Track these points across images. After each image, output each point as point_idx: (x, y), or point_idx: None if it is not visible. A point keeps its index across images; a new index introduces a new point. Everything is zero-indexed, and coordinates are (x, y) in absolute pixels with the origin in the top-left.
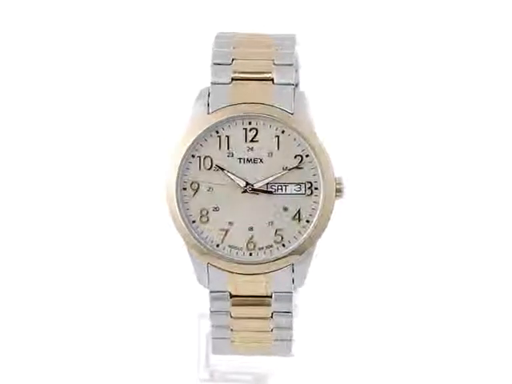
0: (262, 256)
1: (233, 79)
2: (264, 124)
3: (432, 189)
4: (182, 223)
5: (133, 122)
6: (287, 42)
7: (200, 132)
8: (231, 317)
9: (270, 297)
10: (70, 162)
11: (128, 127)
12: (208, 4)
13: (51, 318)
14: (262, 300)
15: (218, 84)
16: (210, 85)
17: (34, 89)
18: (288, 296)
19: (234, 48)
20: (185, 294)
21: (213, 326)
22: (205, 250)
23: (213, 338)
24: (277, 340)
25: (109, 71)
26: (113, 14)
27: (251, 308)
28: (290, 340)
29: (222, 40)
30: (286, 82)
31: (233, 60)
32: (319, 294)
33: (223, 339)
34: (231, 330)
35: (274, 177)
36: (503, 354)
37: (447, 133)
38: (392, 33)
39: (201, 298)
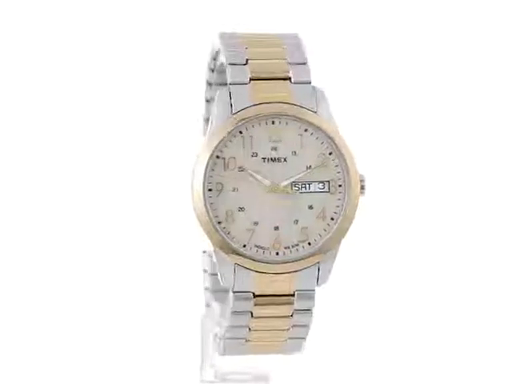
0: (288, 255)
1: (251, 79)
2: (287, 123)
3: (446, 186)
4: (209, 224)
5: (143, 124)
6: (294, 41)
7: (225, 133)
8: (252, 316)
9: (293, 295)
10: (81, 162)
11: (140, 129)
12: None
13: (55, 318)
14: (284, 299)
15: (238, 84)
16: (228, 85)
17: (52, 93)
18: (311, 294)
19: (246, 48)
20: (187, 295)
21: (231, 326)
22: (232, 251)
23: (227, 339)
24: (291, 338)
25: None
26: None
27: (274, 307)
28: (304, 338)
29: (232, 40)
30: (304, 80)
31: (247, 60)
32: (318, 293)
33: (238, 339)
34: (249, 329)
35: (299, 176)
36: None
37: (449, 132)
38: (390, 29)
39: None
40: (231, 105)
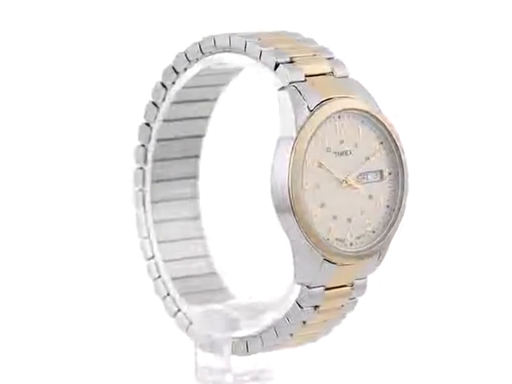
0: (359, 245)
1: (306, 76)
2: (348, 116)
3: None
4: (304, 221)
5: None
6: (303, 38)
7: (311, 132)
8: (315, 310)
9: (351, 286)
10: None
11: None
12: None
13: (49, 317)
14: (346, 289)
15: (299, 82)
16: (290, 84)
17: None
18: (365, 282)
19: (276, 48)
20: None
21: (288, 322)
22: (320, 246)
23: (272, 335)
24: (327, 329)
25: None
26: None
27: (338, 299)
28: (334, 327)
29: (259, 39)
30: (345, 74)
31: (291, 58)
32: None
33: (283, 336)
34: (303, 322)
35: (362, 167)
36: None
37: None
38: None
39: None
40: (305, 103)
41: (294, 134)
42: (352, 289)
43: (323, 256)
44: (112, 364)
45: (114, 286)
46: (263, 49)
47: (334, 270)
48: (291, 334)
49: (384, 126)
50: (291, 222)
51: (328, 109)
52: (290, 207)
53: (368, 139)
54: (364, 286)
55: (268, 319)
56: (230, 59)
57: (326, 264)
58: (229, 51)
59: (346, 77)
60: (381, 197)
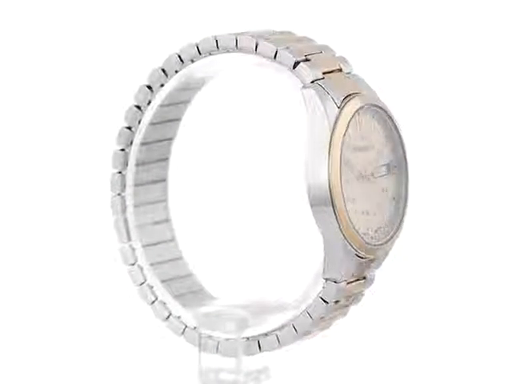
0: (379, 239)
1: (323, 73)
2: (364, 112)
3: None
4: (343, 214)
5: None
6: (301, 36)
7: (342, 129)
8: (335, 304)
9: (363, 279)
10: None
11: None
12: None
13: (50, 321)
14: (359, 284)
15: (320, 80)
16: (310, 82)
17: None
18: (374, 276)
19: (287, 47)
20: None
21: (313, 318)
22: (355, 240)
23: (292, 334)
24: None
25: None
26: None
27: (353, 293)
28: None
29: (267, 39)
30: (350, 70)
31: (306, 56)
32: None
33: (301, 333)
34: (321, 318)
35: (377, 161)
36: None
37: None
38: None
39: None
40: (333, 100)
41: (329, 132)
42: (364, 282)
43: (355, 251)
44: (113, 369)
45: (106, 289)
46: (279, 48)
47: (360, 264)
48: (308, 330)
49: (391, 119)
50: (330, 217)
51: (353, 105)
52: (330, 202)
53: (378, 134)
54: (373, 280)
55: (283, 317)
56: (236, 60)
57: (356, 259)
58: (234, 51)
59: (350, 73)
60: (389, 189)
